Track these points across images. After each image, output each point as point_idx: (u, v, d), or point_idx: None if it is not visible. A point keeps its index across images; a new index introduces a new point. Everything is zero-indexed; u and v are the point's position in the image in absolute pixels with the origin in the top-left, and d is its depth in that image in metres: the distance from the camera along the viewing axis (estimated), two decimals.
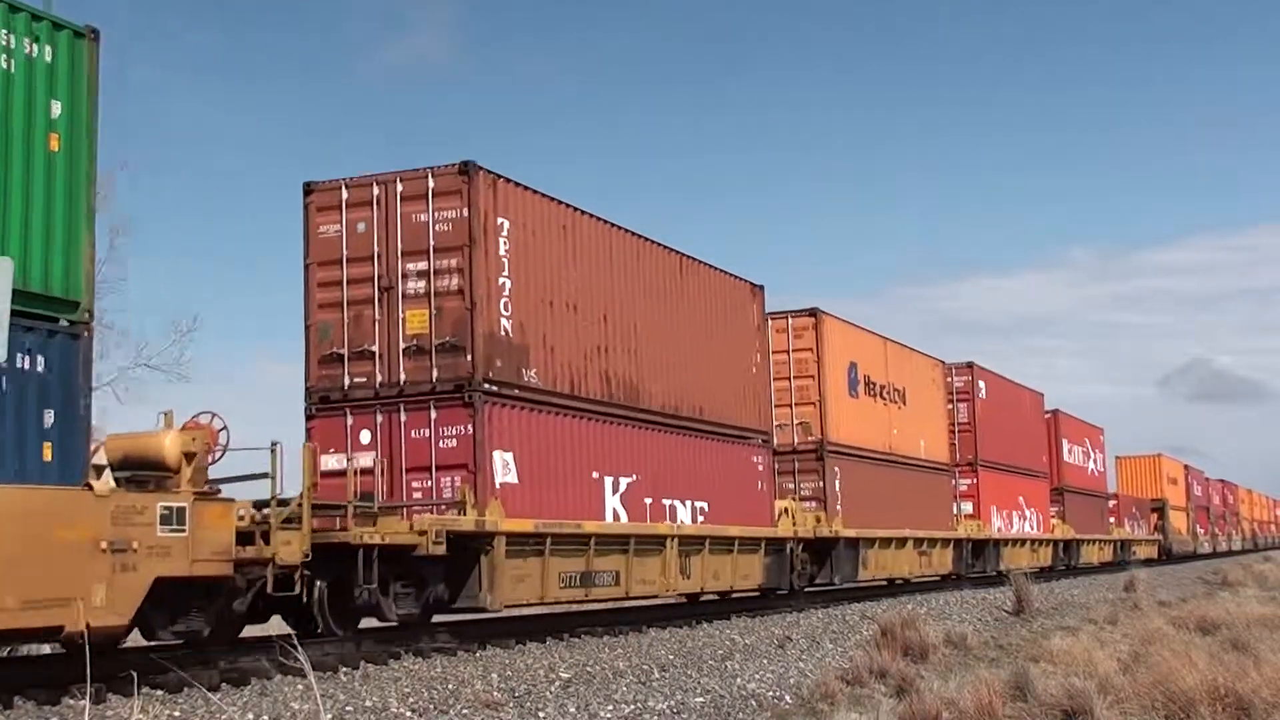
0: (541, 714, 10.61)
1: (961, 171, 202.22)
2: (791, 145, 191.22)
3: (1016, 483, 40.10)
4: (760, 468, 23.67)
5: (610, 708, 11.02)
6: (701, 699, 11.74)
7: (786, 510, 24.83)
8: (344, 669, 13.11)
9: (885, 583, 31.03)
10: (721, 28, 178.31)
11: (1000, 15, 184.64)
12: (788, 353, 26.78)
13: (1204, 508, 76.72)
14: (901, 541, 30.24)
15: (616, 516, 18.97)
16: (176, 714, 10.24)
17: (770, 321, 25.61)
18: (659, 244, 21.01)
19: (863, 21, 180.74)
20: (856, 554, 27.64)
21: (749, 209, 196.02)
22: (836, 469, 26.93)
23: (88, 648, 9.03)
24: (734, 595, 24.24)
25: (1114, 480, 65.02)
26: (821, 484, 26.52)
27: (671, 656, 15.02)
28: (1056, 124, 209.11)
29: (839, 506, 26.67)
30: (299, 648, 7.24)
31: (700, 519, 21.33)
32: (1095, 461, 53.13)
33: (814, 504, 26.34)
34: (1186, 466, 74.37)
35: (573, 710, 10.79)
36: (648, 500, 19.85)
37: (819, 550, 26.41)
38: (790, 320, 26.99)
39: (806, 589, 26.22)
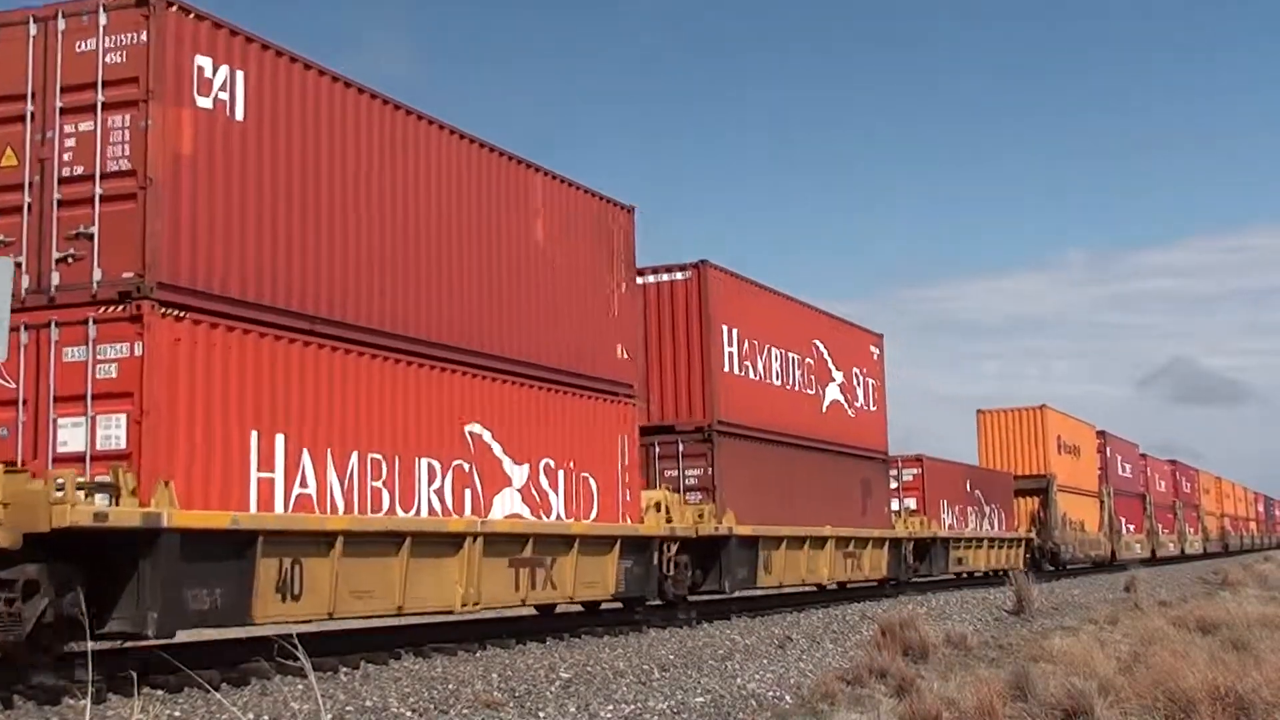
0: (541, 714, 10.60)
1: (959, 174, 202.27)
2: (791, 147, 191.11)
3: (469, 390, 15.91)
4: None
5: (610, 708, 11.01)
6: (702, 699, 11.73)
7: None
8: (344, 669, 13.12)
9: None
10: (718, 27, 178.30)
11: (999, 18, 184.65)
12: None
13: (1137, 495, 56.17)
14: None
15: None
16: (176, 714, 10.24)
17: None
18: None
19: (862, 23, 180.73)
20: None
21: (747, 210, 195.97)
22: None
23: (89, 647, 9.01)
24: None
25: (976, 448, 44.88)
26: None
27: (672, 656, 15.02)
28: (1054, 126, 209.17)
29: None
30: (298, 646, 7.22)
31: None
32: (851, 392, 28.73)
33: None
34: (1102, 433, 51.64)
35: (573, 710, 10.78)
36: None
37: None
38: None
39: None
